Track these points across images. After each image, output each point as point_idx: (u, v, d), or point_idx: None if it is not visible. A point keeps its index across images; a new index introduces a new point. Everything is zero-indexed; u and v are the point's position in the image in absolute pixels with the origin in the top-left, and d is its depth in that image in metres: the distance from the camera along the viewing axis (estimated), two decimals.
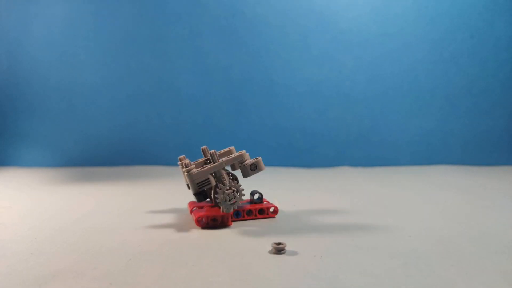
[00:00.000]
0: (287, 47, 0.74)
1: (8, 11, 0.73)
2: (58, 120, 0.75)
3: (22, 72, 0.75)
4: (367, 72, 0.74)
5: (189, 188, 0.39)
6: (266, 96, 0.75)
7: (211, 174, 0.35)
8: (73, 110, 0.75)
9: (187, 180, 0.35)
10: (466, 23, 0.73)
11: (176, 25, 0.74)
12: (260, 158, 0.36)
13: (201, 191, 0.35)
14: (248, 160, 0.36)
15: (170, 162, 0.75)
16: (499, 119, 0.75)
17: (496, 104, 0.75)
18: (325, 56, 0.74)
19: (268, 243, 0.30)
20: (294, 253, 0.28)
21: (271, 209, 0.38)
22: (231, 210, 0.34)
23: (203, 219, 0.34)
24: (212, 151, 0.35)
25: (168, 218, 0.38)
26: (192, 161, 0.41)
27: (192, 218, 0.37)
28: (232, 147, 0.41)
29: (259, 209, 0.38)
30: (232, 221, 0.36)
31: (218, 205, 0.36)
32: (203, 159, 0.40)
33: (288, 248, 0.29)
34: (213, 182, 0.35)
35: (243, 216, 0.37)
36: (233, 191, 0.34)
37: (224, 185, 0.34)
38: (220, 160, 0.35)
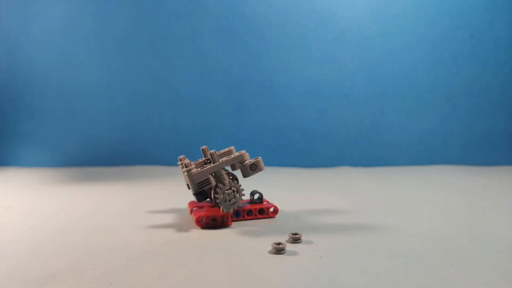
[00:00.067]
0: (287, 47, 0.74)
1: (8, 11, 0.73)
2: (58, 120, 0.75)
3: (22, 72, 0.75)
4: (367, 72, 0.74)
5: (189, 188, 0.39)
6: (266, 96, 0.75)
7: (211, 174, 0.35)
8: (73, 110, 0.75)
9: (187, 180, 0.35)
10: (466, 23, 0.73)
11: (176, 25, 0.74)
12: (260, 158, 0.36)
13: (201, 191, 0.35)
14: (248, 160, 0.36)
15: (170, 162, 0.75)
16: (499, 119, 0.75)
17: (496, 104, 0.75)
18: (325, 56, 0.74)
19: (268, 243, 0.30)
20: (294, 253, 0.28)
21: (271, 209, 0.38)
22: (231, 210, 0.34)
23: (203, 219, 0.34)
24: (212, 151, 0.35)
25: (168, 218, 0.38)
26: (192, 161, 0.41)
27: (192, 218, 0.37)
28: (232, 147, 0.41)
29: (259, 209, 0.38)
30: (232, 221, 0.36)
31: (218, 205, 0.36)
32: (203, 159, 0.40)
33: (288, 248, 0.29)
34: (213, 182, 0.35)
35: (243, 216, 0.37)
36: (233, 191, 0.34)
37: (224, 185, 0.34)
38: (220, 160, 0.35)
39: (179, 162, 0.39)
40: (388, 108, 0.75)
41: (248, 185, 0.53)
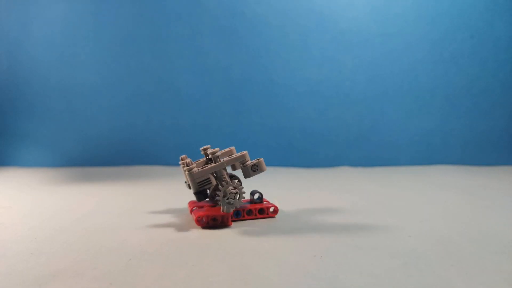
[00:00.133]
0: (287, 47, 0.74)
1: (8, 11, 0.73)
2: (58, 120, 0.75)
3: (22, 72, 0.75)
4: (367, 72, 0.74)
5: (189, 188, 0.39)
6: (266, 96, 0.75)
7: (212, 173, 0.35)
8: (73, 110, 0.75)
9: (188, 179, 0.35)
10: (466, 23, 0.73)
11: (176, 25, 0.74)
12: (262, 159, 0.36)
13: (201, 191, 0.35)
14: (250, 161, 0.36)
15: (170, 162, 0.75)
16: (499, 119, 0.75)
17: (496, 104, 0.75)
18: (325, 56, 0.74)
19: (268, 243, 0.30)
20: (294, 253, 0.28)
21: (271, 209, 0.38)
22: (231, 210, 0.34)
23: (203, 219, 0.35)
24: (215, 150, 0.35)
25: (168, 218, 0.38)
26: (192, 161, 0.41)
27: (192, 218, 0.37)
28: (233, 147, 0.41)
29: (259, 209, 0.38)
30: (232, 221, 0.36)
31: (218, 205, 0.36)
32: (204, 158, 0.40)
33: (288, 248, 0.29)
34: (214, 182, 0.35)
35: (243, 216, 0.37)
36: (234, 191, 0.34)
37: (224, 185, 0.34)
38: (221, 160, 0.35)
39: (180, 162, 0.39)
40: (388, 108, 0.75)
41: (248, 185, 0.53)
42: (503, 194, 0.48)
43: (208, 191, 0.37)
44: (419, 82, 0.74)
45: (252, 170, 0.36)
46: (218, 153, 0.35)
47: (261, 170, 0.36)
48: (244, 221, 0.37)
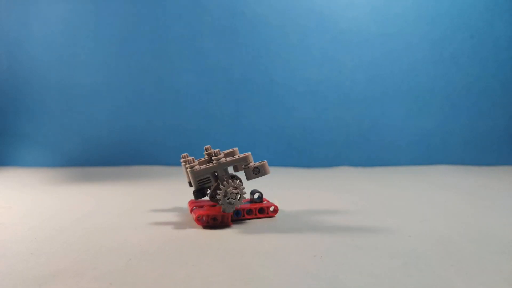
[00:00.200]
0: (287, 47, 0.74)
1: (8, 11, 0.73)
2: (58, 120, 0.75)
3: (22, 72, 0.75)
4: (367, 72, 0.74)
5: (190, 186, 0.39)
6: (266, 96, 0.75)
7: (213, 173, 0.35)
8: (73, 110, 0.75)
9: (190, 177, 0.36)
10: (466, 23, 0.73)
11: (176, 25, 0.74)
12: (265, 161, 0.36)
13: (200, 189, 0.35)
14: (253, 163, 0.36)
15: (170, 162, 0.75)
16: (499, 119, 0.75)
17: (496, 104, 0.75)
18: (325, 56, 0.74)
19: (268, 243, 0.30)
20: (294, 253, 0.28)
21: (271, 209, 0.38)
22: (232, 210, 0.34)
23: (204, 218, 0.34)
24: (216, 150, 0.35)
25: (168, 218, 0.38)
26: None
27: (192, 218, 0.37)
28: (236, 148, 0.41)
29: (259, 208, 0.38)
30: (232, 220, 0.36)
31: (219, 204, 0.36)
32: (207, 157, 0.40)
33: (288, 248, 0.29)
34: (214, 181, 0.35)
35: (243, 216, 0.37)
36: (235, 191, 0.34)
37: (225, 185, 0.34)
38: (224, 160, 0.35)
39: (182, 160, 0.39)
40: (388, 108, 0.75)
41: (248, 184, 0.53)
42: (503, 194, 0.48)
43: (208, 190, 0.37)
44: (419, 82, 0.74)
45: (254, 173, 0.36)
46: (221, 154, 0.35)
47: (264, 173, 0.36)
48: (244, 221, 0.37)
